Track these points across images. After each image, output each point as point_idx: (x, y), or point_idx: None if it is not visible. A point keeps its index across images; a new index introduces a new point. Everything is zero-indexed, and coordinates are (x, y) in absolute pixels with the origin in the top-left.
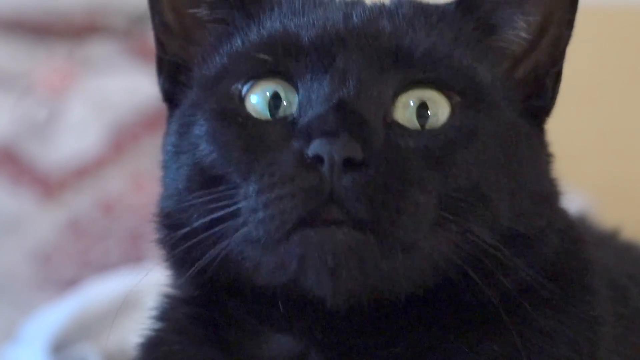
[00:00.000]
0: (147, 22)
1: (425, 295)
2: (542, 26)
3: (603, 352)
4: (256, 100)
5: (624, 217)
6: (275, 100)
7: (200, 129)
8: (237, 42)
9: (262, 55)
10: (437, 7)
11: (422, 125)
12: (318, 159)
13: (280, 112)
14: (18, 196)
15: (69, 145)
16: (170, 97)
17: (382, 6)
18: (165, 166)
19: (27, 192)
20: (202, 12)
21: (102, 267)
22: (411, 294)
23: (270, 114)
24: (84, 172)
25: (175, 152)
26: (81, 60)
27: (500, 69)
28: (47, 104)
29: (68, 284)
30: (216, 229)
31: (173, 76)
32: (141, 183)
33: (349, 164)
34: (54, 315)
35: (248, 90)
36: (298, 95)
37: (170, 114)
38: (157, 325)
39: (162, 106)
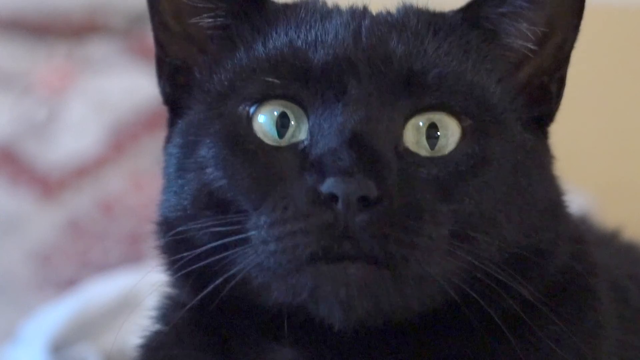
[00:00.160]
0: (147, 22)
1: (430, 315)
2: (548, 33)
3: (605, 357)
4: (264, 120)
5: (625, 217)
6: (282, 120)
7: (207, 151)
8: (242, 55)
9: (270, 79)
10: (444, 18)
11: (433, 146)
12: (332, 196)
13: (289, 134)
14: (17, 196)
15: (68, 145)
16: (171, 100)
17: (390, 19)
18: (168, 178)
19: (27, 192)
20: (205, 20)
21: (102, 267)
22: (417, 314)
23: (278, 133)
24: (84, 172)
25: (179, 167)
26: (80, 59)
27: (508, 81)
28: (47, 103)
29: (67, 284)
30: (225, 253)
31: (173, 78)
32: (141, 183)
33: (363, 201)
34: (54, 316)
35: (255, 111)
36: (308, 120)
37: (172, 120)
38: (157, 327)
39: (162, 106)
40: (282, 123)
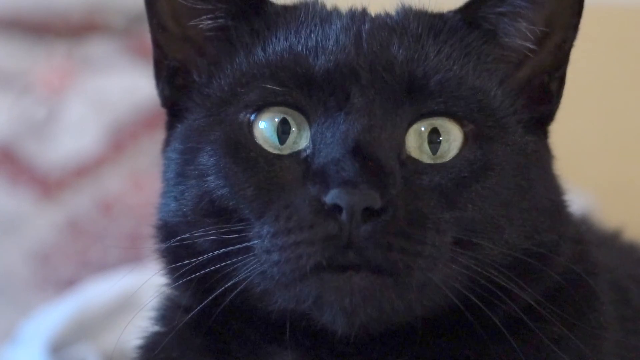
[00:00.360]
0: (146, 21)
1: (432, 320)
2: (547, 32)
3: (606, 358)
4: (264, 126)
5: (626, 217)
6: (283, 127)
7: (208, 159)
8: (242, 59)
9: (271, 86)
10: (443, 20)
11: (435, 152)
12: (336, 207)
13: (290, 141)
14: (16, 196)
15: (67, 144)
16: (170, 103)
17: (390, 22)
18: (168, 183)
19: (26, 191)
20: (204, 22)
21: (101, 267)
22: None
23: (279, 139)
24: (83, 171)
25: (179, 173)
26: (80, 59)
27: (509, 83)
28: (46, 103)
29: (67, 284)
30: (227, 262)
31: (172, 81)
32: (140, 183)
33: (367, 212)
34: (53, 316)
35: (256, 117)
36: (310, 128)
37: (171, 124)
38: (157, 328)
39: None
40: (283, 129)
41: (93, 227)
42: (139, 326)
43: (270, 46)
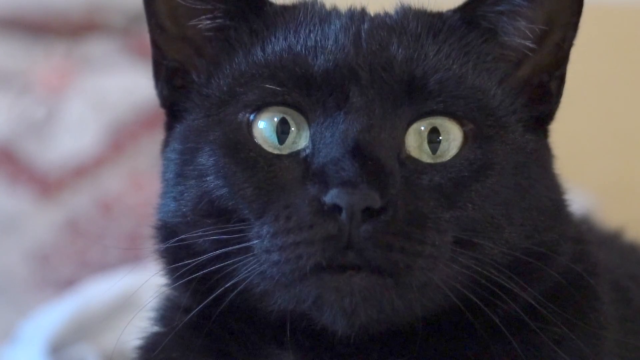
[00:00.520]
0: (146, 21)
1: (432, 320)
2: (547, 31)
3: (607, 358)
4: (264, 125)
5: (627, 217)
6: (282, 126)
7: (207, 159)
8: (241, 59)
9: (270, 85)
10: (442, 19)
11: (434, 151)
12: (336, 207)
13: (289, 140)
14: (16, 196)
15: (67, 144)
16: (169, 103)
17: (389, 22)
18: (167, 183)
19: (25, 191)
20: (203, 22)
21: (101, 267)
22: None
23: (278, 139)
24: (82, 171)
25: (179, 174)
26: (79, 58)
27: (508, 82)
28: (45, 102)
29: (66, 284)
30: (227, 262)
31: (171, 81)
32: (140, 182)
33: (367, 212)
34: (52, 316)
35: (255, 117)
36: (309, 127)
37: (170, 124)
38: (156, 329)
39: None
40: (282, 129)
41: (92, 227)
42: (138, 326)
43: (270, 46)
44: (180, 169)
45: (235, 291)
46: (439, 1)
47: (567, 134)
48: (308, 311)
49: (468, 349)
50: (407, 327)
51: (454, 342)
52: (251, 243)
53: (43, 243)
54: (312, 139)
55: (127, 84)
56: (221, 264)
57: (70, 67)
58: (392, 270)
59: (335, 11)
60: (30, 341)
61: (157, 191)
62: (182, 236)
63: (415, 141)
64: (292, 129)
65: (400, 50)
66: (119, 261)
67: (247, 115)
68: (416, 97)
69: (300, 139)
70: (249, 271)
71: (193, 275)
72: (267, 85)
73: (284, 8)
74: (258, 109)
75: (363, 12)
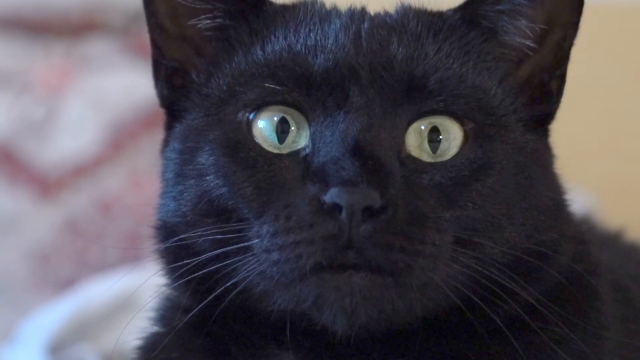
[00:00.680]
0: (145, 20)
1: (433, 320)
2: (547, 30)
3: (608, 358)
4: (263, 125)
5: (628, 217)
6: (282, 126)
7: (207, 158)
8: (241, 58)
9: (270, 85)
10: (443, 18)
11: (435, 150)
12: (336, 206)
13: (289, 140)
14: (15, 195)
15: (66, 144)
16: (169, 103)
17: (389, 21)
18: (167, 183)
19: (25, 191)
20: (202, 22)
21: (100, 267)
22: (420, 319)
23: (278, 138)
24: (82, 171)
25: (178, 174)
26: (79, 58)
27: (509, 82)
28: (45, 102)
29: (66, 284)
30: (227, 262)
31: (170, 81)
32: (139, 182)
33: (367, 211)
34: (52, 316)
35: (255, 116)
36: (309, 127)
37: (170, 124)
38: (156, 329)
39: None
40: (282, 129)
41: (92, 227)
42: (138, 326)
43: (269, 45)
44: (180, 169)
45: (235, 291)
46: (439, 0)
47: (568, 133)
48: (308, 311)
49: (468, 349)
50: (408, 327)
51: (454, 342)
52: (251, 242)
53: (42, 243)
54: (312, 138)
55: (127, 83)
56: (221, 264)
57: (70, 66)
58: (392, 269)
59: (335, 10)
60: (30, 341)
61: (157, 191)
62: (182, 236)
63: (415, 140)
64: (292, 128)
65: (400, 50)
66: (119, 261)
67: (246, 114)
68: (416, 96)
69: (300, 138)
70: (248, 271)
71: (193, 275)
72: (266, 85)
73: (284, 7)
74: (258, 108)
75: (363, 11)
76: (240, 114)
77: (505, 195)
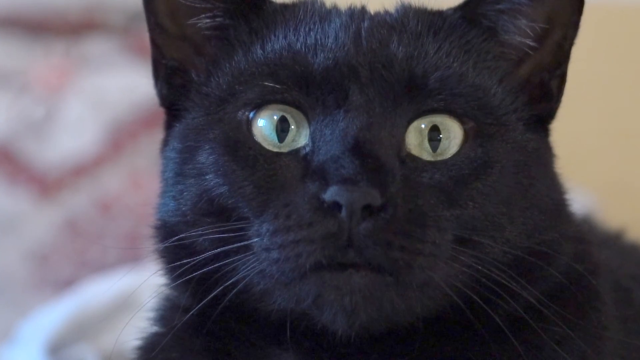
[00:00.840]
0: (145, 20)
1: (433, 319)
2: (548, 29)
3: (608, 358)
4: (263, 123)
5: (628, 217)
6: (282, 124)
7: (207, 157)
8: (241, 58)
9: (269, 83)
10: (443, 17)
11: (435, 149)
12: (336, 205)
13: (289, 138)
14: (15, 195)
15: (66, 143)
16: (168, 102)
17: (389, 20)
18: (166, 182)
19: (24, 191)
20: (203, 21)
21: (100, 267)
22: (420, 319)
23: (278, 137)
24: (82, 171)
25: (178, 173)
26: (78, 57)
27: (509, 81)
28: (44, 102)
29: (65, 284)
30: (226, 261)
31: (170, 80)
32: (139, 182)
33: (367, 209)
34: (51, 316)
35: (255, 115)
36: (309, 125)
37: (170, 123)
38: (156, 329)
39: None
40: (282, 127)
41: (92, 227)
42: (137, 327)
43: (269, 44)
44: (180, 168)
45: (235, 290)
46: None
47: (568, 133)
48: (308, 310)
49: (469, 349)
50: (408, 327)
51: (454, 342)
52: (251, 241)
53: (42, 243)
54: (312, 137)
55: (127, 83)
56: (220, 263)
57: (69, 66)
58: (392, 268)
59: (335, 9)
60: (29, 341)
61: (157, 190)
62: (182, 235)
63: (415, 139)
64: (292, 127)
65: (400, 48)
66: (118, 261)
67: (246, 113)
68: (416, 95)
69: (300, 137)
70: (248, 270)
71: (192, 275)
72: (266, 83)
73: (284, 6)
74: (258, 107)
75: (363, 10)
76: (240, 113)
77: (505, 195)
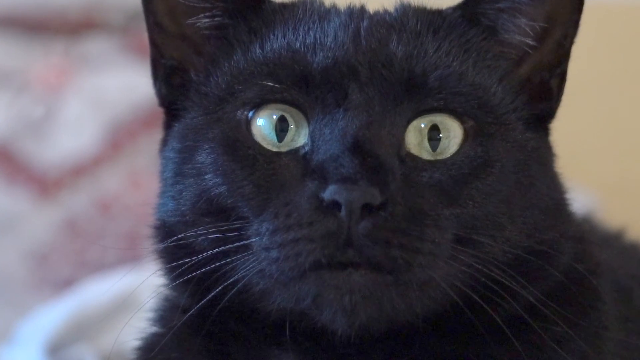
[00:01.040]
0: (144, 19)
1: (433, 319)
2: (547, 28)
3: (608, 358)
4: (262, 123)
5: (629, 217)
6: (282, 124)
7: (206, 157)
8: (240, 57)
9: (269, 83)
10: (442, 16)
11: (434, 148)
12: (335, 204)
13: (288, 138)
14: (14, 195)
15: (65, 143)
16: (167, 102)
17: (389, 19)
18: (165, 182)
19: (23, 191)
20: (201, 20)
21: (99, 266)
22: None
23: (277, 137)
24: (81, 170)
25: (177, 173)
26: (77, 57)
27: (509, 80)
28: (43, 101)
29: (65, 284)
30: (226, 260)
31: (169, 80)
32: (138, 182)
33: (366, 208)
34: (51, 316)
35: (254, 115)
36: (308, 125)
37: (169, 123)
38: (155, 329)
39: None
40: (281, 127)
41: (91, 227)
42: (137, 327)
43: (268, 44)
44: (179, 168)
45: (234, 290)
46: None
47: (569, 132)
48: (307, 310)
49: (469, 349)
50: (408, 327)
51: (454, 342)
52: (250, 241)
53: (41, 243)
54: (311, 136)
55: (126, 82)
56: (220, 263)
57: (69, 65)
58: (392, 267)
59: (334, 9)
60: (29, 341)
61: (156, 190)
62: (181, 235)
63: (415, 138)
64: (291, 126)
65: (399, 47)
66: (118, 261)
67: (245, 112)
68: (416, 94)
69: (299, 137)
70: (247, 269)
71: (192, 274)
72: (265, 83)
73: (283, 6)
74: (257, 106)
75: (362, 9)
76: (239, 112)
77: (505, 194)
